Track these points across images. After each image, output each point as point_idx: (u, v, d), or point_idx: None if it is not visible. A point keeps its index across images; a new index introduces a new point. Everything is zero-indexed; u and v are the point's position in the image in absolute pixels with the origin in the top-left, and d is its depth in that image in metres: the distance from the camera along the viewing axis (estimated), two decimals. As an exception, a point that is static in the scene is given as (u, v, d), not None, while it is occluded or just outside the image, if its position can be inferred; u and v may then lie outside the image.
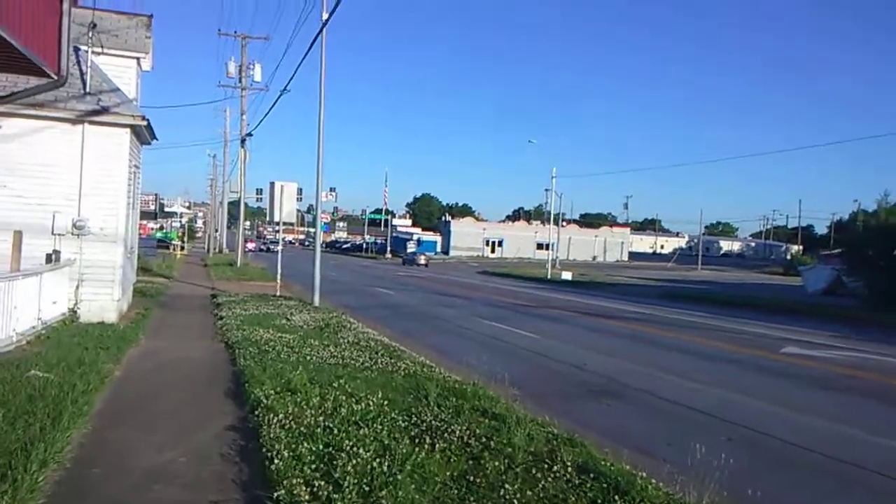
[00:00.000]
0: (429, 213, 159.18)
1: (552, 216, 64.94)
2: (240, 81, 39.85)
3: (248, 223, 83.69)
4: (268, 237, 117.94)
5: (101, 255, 13.27)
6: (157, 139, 17.37)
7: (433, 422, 6.81)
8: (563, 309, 25.80)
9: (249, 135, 37.21)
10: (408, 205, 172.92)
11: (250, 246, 73.48)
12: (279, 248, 23.38)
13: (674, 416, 9.24)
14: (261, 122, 79.72)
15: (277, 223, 21.81)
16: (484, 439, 6.29)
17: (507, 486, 5.12)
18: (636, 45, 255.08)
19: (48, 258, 12.68)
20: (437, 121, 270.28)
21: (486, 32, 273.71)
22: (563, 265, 71.76)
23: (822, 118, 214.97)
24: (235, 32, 39.97)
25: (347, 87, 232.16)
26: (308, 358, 10.40)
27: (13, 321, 9.99)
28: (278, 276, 22.05)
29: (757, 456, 7.18)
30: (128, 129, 13.62)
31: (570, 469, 5.53)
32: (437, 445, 6.01)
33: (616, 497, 5.01)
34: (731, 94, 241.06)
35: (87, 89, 13.47)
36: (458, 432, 6.41)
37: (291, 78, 78.28)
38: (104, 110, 13.40)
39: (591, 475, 5.47)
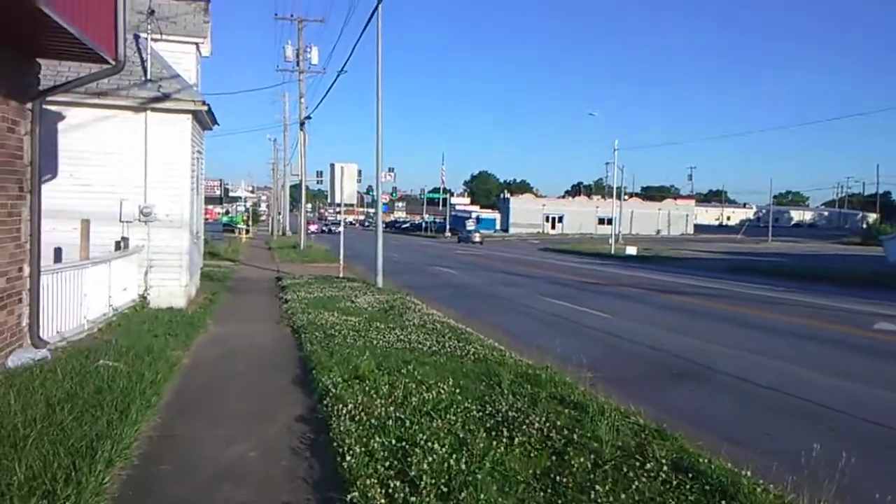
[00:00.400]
0: (486, 190, 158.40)
1: (614, 190, 63.25)
2: (297, 65, 40.07)
3: (309, 205, 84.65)
4: (329, 218, 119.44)
5: (167, 241, 13.34)
6: (218, 124, 17.41)
7: (509, 412, 6.42)
8: (631, 286, 24.98)
9: (308, 118, 37.37)
10: (465, 183, 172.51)
11: (312, 228, 73.99)
12: (341, 229, 23.29)
13: (765, 401, 8.60)
14: (319, 103, 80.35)
15: (339, 204, 21.70)
16: (566, 431, 5.86)
17: (597, 487, 4.69)
18: (697, 9, 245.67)
19: (117, 245, 12.80)
20: (493, 96, 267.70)
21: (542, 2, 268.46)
22: (627, 240, 70.16)
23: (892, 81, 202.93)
24: (292, 16, 40.23)
25: (402, 64, 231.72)
26: (374, 342, 10.15)
27: (84, 309, 10.07)
28: (341, 258, 22.01)
29: (870, 450, 6.51)
30: (189, 115, 13.58)
31: (664, 467, 5.05)
32: (517, 439, 5.62)
33: (722, 502, 4.51)
34: (795, 57, 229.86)
35: (148, 76, 13.47)
36: (536, 424, 6.00)
37: (348, 58, 78.19)
38: (165, 97, 13.38)
39: (689, 474, 4.98)
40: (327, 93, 73.68)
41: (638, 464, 5.13)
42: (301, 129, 38.51)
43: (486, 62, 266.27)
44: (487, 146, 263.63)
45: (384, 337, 10.64)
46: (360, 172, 24.66)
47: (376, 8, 18.48)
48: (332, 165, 21.42)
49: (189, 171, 13.52)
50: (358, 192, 22.11)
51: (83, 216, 12.11)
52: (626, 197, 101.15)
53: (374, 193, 20.29)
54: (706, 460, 5.29)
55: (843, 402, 8.44)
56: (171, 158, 13.30)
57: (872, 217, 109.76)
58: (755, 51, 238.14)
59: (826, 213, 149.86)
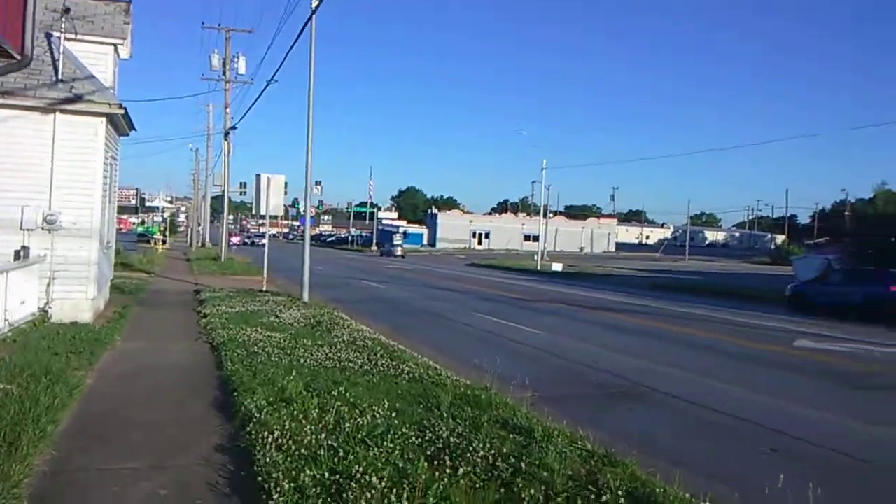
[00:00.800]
0: (413, 205, 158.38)
1: (542, 208, 64.36)
2: (223, 74, 38.78)
3: (231, 217, 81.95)
4: (252, 230, 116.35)
5: (74, 251, 12.29)
6: (135, 129, 16.36)
7: (450, 437, 5.98)
8: (559, 301, 25.08)
9: (233, 128, 36.16)
10: (393, 198, 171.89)
11: (235, 240, 71.52)
12: (265, 241, 22.35)
13: (705, 421, 8.48)
14: (245, 114, 78.16)
15: (263, 217, 20.84)
16: (512, 459, 5.47)
17: (552, 522, 4.30)
18: (622, 33, 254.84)
19: (16, 255, 11.70)
20: (421, 113, 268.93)
21: (473, 17, 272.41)
22: (552, 256, 71.14)
23: (809, 107, 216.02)
24: (220, 25, 38.87)
25: (331, 79, 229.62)
26: (302, 361, 9.53)
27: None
28: (265, 271, 21.11)
29: (821, 474, 6.41)
30: (103, 119, 12.61)
31: (621, 499, 4.71)
32: (461, 469, 5.18)
33: (686, 537, 4.21)
34: (718, 83, 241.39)
35: (60, 76, 12.45)
36: (481, 451, 5.58)
37: (279, 68, 76.19)
38: (77, 98, 12.38)
39: (647, 506, 4.67)
40: (254, 102, 72.15)
41: (593, 496, 4.78)
42: (225, 139, 37.15)
43: (415, 79, 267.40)
44: (415, 162, 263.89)
45: (312, 355, 10.04)
46: (286, 185, 23.86)
47: (310, 18, 17.90)
48: (258, 176, 20.58)
49: (101, 177, 12.54)
50: (283, 205, 21.32)
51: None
52: (552, 215, 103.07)
53: (302, 206, 19.56)
54: (661, 489, 5.00)
55: (776, 421, 8.40)
56: (82, 163, 12.29)
57: (780, 238, 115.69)
58: (680, 71, 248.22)
59: (737, 234, 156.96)
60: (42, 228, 12.00)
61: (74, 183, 12.20)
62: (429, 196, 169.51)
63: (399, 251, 73.23)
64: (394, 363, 9.72)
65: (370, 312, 18.13)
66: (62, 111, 12.21)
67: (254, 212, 21.72)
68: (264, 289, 20.46)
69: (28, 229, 11.87)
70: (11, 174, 11.81)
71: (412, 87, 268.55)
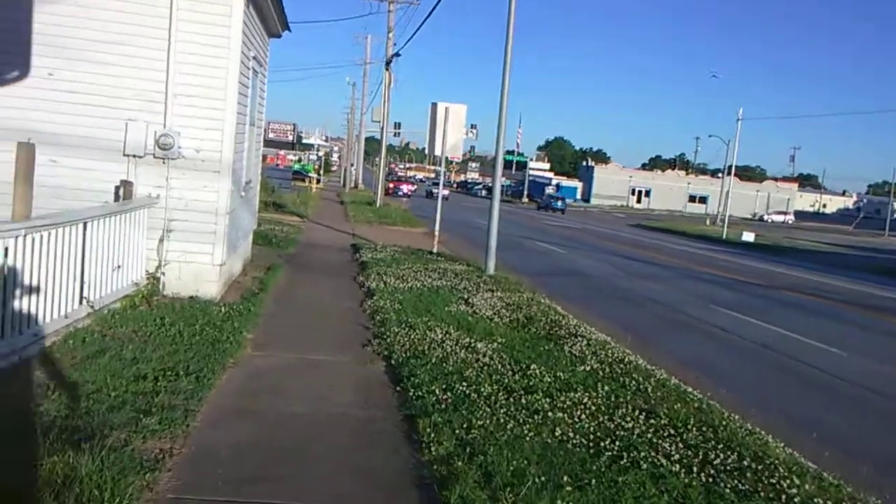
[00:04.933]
0: (561, 156, 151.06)
1: (726, 167, 56.43)
2: (387, -7, 34.65)
3: (377, 159, 79.15)
4: (399, 174, 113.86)
5: (197, 193, 8.44)
6: (289, 30, 12.37)
7: None
8: (801, 291, 18.96)
9: (397, 55, 32.06)
10: (539, 148, 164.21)
11: (405, 188, 62.65)
12: (441, 191, 17.93)
13: None
14: (412, 37, 72.59)
15: (437, 158, 16.49)
16: None
17: None
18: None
19: (116, 194, 8.01)
20: (570, 62, 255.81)
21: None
22: (724, 222, 62.65)
23: None
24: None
25: (479, 21, 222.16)
26: (555, 430, 5.04)
27: (10, 317, 5.27)
28: (436, 231, 16.83)
29: None
30: (242, -8, 8.45)
31: None
32: None
33: None
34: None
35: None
36: None
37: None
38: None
39: None
40: (426, 19, 64.30)
41: None
42: (387, 69, 33.24)
43: (560, 32, 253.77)
44: (564, 113, 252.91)
45: (560, 404, 5.63)
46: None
47: None
48: (434, 106, 16.12)
49: (236, 83, 8.50)
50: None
51: (67, 139, 7.42)
52: (719, 176, 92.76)
53: (496, 146, 14.91)
54: None
55: None
56: (210, 61, 8.28)
57: None
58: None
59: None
60: (154, 156, 8.20)
61: (199, 90, 8.23)
62: (577, 148, 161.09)
63: (560, 204, 66.47)
64: (706, 432, 5.00)
65: (572, 296, 13.41)
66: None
67: (427, 151, 17.41)
68: (435, 250, 16.28)
69: (133, 155, 8.10)
70: (113, 70, 8.00)
71: (560, 37, 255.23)
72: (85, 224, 6.53)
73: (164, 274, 8.37)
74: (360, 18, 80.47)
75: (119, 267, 7.45)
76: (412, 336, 7.56)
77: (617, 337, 9.14)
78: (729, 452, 4.95)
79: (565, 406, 5.65)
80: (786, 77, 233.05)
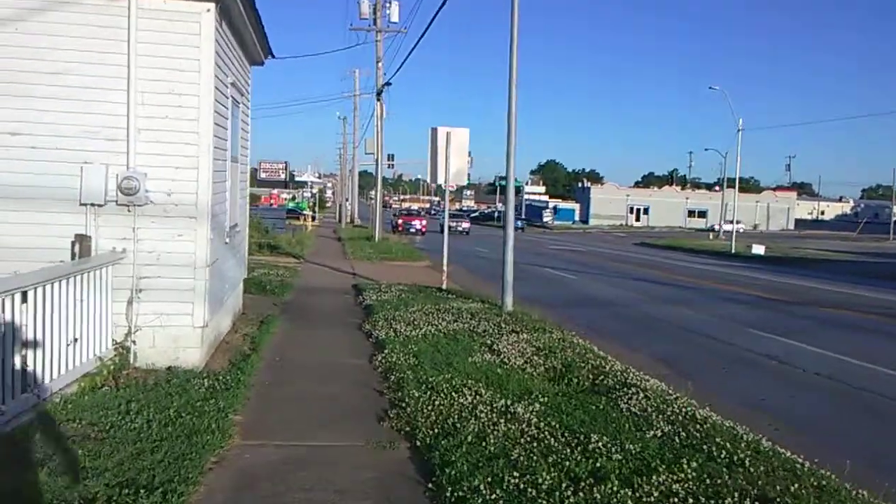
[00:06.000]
0: (554, 179, 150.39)
1: (736, 179, 55.59)
2: (374, 23, 33.85)
3: (371, 192, 77.65)
4: (394, 206, 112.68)
5: (170, 244, 7.13)
6: (273, 55, 11.19)
7: None
8: (829, 306, 17.60)
9: (388, 84, 31.04)
10: (532, 172, 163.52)
11: (417, 224, 48.69)
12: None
13: None
14: (401, 66, 71.23)
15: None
16: None
17: None
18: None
19: (72, 250, 6.71)
20: (558, 87, 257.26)
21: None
22: (727, 235, 61.45)
23: None
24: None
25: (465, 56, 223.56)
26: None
27: None
28: (444, 265, 15.51)
29: None
30: (210, 5, 7.24)
31: None
32: None
33: None
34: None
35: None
36: None
37: (436, 14, 70.50)
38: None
39: None
40: (413, 47, 63.58)
41: None
42: (378, 99, 32.25)
43: (549, 60, 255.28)
44: (553, 136, 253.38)
45: (641, 496, 4.26)
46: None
47: None
48: (434, 131, 14.96)
49: (211, 113, 7.25)
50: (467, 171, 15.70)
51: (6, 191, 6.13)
52: (717, 188, 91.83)
53: (505, 175, 13.62)
54: None
55: None
56: (177, 88, 7.04)
57: None
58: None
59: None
60: (117, 203, 6.91)
61: (167, 123, 6.97)
62: (570, 170, 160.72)
63: (519, 223, 65.78)
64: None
65: (602, 330, 12.14)
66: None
67: (429, 180, 16.15)
68: (444, 286, 14.96)
69: (92, 204, 6.81)
70: (64, 106, 6.74)
71: (549, 64, 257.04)
72: (24, 294, 5.21)
73: (134, 342, 7.03)
74: (349, 50, 79.84)
75: (76, 340, 6.11)
76: (437, 403, 6.21)
77: (669, 379, 7.84)
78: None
79: (653, 500, 4.30)
80: (775, 88, 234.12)
